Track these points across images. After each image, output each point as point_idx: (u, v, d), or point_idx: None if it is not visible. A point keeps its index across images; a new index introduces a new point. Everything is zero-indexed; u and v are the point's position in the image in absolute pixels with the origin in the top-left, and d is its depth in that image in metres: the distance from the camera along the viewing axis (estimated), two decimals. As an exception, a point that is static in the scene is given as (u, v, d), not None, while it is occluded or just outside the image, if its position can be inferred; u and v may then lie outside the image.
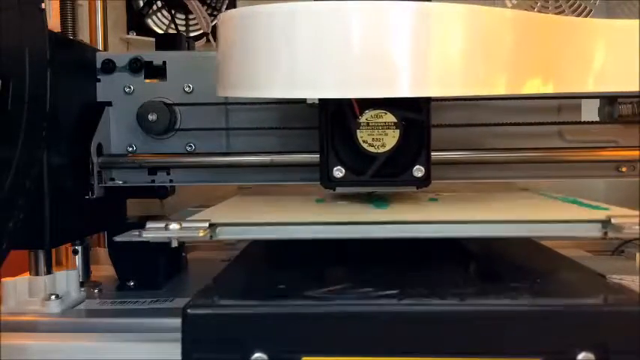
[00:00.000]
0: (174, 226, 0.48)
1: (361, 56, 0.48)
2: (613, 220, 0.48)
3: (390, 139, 0.57)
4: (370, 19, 0.48)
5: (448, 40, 0.49)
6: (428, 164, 0.58)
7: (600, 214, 0.50)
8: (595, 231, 0.49)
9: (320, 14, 0.48)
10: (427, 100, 0.58)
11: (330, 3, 0.48)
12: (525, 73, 0.52)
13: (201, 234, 0.48)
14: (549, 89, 0.54)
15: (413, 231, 0.50)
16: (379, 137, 0.57)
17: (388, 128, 0.57)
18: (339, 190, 0.61)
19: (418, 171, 0.58)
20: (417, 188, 0.60)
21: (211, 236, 0.49)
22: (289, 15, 0.49)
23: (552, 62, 0.53)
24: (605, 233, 0.48)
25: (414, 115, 0.58)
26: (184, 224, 0.49)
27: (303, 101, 0.64)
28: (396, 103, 0.57)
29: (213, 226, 0.49)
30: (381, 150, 0.57)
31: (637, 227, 0.47)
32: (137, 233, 0.49)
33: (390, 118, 0.57)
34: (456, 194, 0.69)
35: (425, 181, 0.59)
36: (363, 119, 0.57)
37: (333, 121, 0.58)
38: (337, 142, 0.58)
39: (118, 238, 0.50)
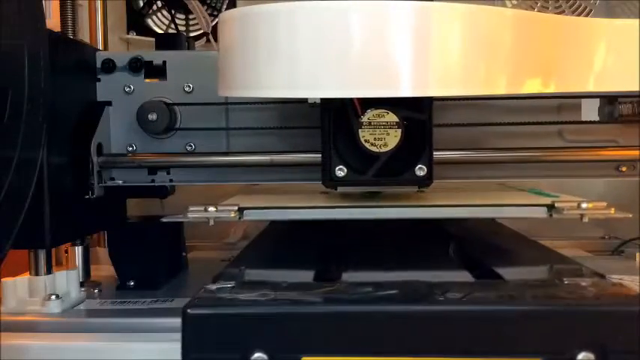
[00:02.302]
0: (211, 208, 0.57)
1: (362, 56, 0.48)
2: (556, 204, 0.56)
3: (392, 139, 0.57)
4: (371, 19, 0.48)
5: (449, 39, 0.49)
6: (430, 164, 0.58)
7: (547, 200, 0.58)
8: (542, 213, 0.57)
9: (321, 13, 0.48)
10: (429, 100, 0.58)
11: (331, 2, 0.48)
12: (526, 73, 0.52)
13: (232, 214, 0.57)
14: (550, 89, 0.54)
15: (394, 213, 0.58)
16: (381, 137, 0.57)
17: (390, 128, 0.57)
18: (341, 189, 0.61)
19: (420, 170, 0.58)
20: (419, 187, 0.60)
21: (240, 217, 0.57)
22: (290, 14, 0.49)
23: (553, 62, 0.53)
24: (551, 215, 0.57)
25: (416, 114, 0.58)
26: (219, 207, 0.57)
27: (304, 101, 0.64)
28: (398, 103, 0.57)
29: (241, 209, 0.57)
30: (383, 149, 0.57)
31: (575, 210, 0.56)
32: (182, 215, 0.58)
33: (392, 117, 0.57)
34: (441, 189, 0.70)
35: (427, 181, 0.59)
36: (365, 119, 0.57)
37: (335, 120, 0.58)
38: (339, 142, 0.59)
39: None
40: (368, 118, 0.57)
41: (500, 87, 0.51)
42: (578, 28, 0.55)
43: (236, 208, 0.57)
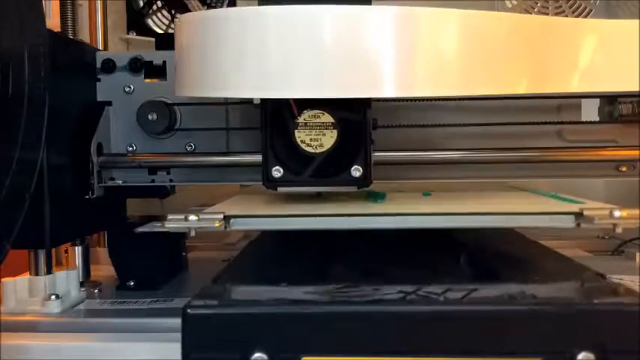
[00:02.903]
0: (192, 217, 0.52)
1: (332, 58, 0.49)
2: (585, 212, 0.52)
3: (328, 140, 0.57)
4: (339, 22, 0.49)
5: (418, 42, 0.50)
6: (366, 164, 0.58)
7: (574, 207, 0.53)
8: (569, 222, 0.53)
9: (291, 16, 0.49)
10: (366, 101, 0.58)
11: (300, 6, 0.49)
12: (515, 75, 0.52)
13: (217, 224, 0.52)
14: (539, 91, 0.54)
15: (404, 222, 0.54)
16: (317, 137, 0.57)
17: (326, 129, 0.57)
18: (281, 189, 0.60)
19: (356, 171, 0.58)
20: (358, 188, 0.59)
21: (225, 227, 0.53)
22: (260, 17, 0.50)
23: (543, 64, 0.53)
24: (579, 224, 0.52)
25: (352, 115, 0.57)
26: (201, 216, 0.53)
27: (250, 101, 0.64)
28: (333, 104, 0.56)
29: (227, 217, 0.53)
30: (319, 150, 0.57)
31: (607, 219, 0.51)
32: (160, 224, 0.53)
33: (327, 118, 0.57)
34: (449, 192, 0.69)
35: (363, 182, 0.58)
36: (301, 119, 0.57)
37: (272, 121, 0.58)
38: (276, 143, 0.58)
39: (140, 229, 0.55)
40: (304, 119, 0.57)
41: (480, 89, 0.51)
42: (571, 28, 0.55)
43: (221, 216, 0.53)
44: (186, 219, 0.52)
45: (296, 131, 0.57)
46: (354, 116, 0.58)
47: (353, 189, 0.60)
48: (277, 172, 0.58)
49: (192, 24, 0.54)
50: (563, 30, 0.55)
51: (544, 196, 0.66)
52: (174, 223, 0.53)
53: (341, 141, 0.57)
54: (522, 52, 0.52)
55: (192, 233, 0.53)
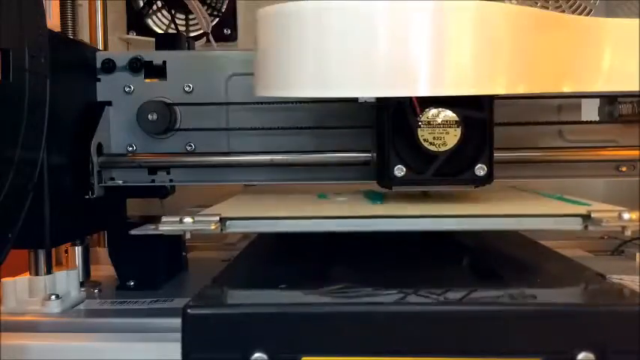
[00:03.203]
0: (187, 219, 0.51)
1: (386, 55, 0.48)
2: (593, 215, 0.51)
3: (452, 138, 0.56)
4: (396, 18, 0.48)
5: (475, 38, 0.49)
6: (490, 163, 0.58)
7: (581, 209, 0.53)
8: (576, 224, 0.52)
9: (351, 12, 0.49)
10: (490, 98, 0.58)
11: (358, 2, 0.48)
12: (543, 73, 0.52)
13: (212, 227, 0.51)
14: (565, 89, 0.54)
15: (409, 224, 0.53)
16: (440, 136, 0.57)
17: (449, 127, 0.56)
18: (396, 189, 0.60)
19: (480, 169, 0.58)
20: (477, 186, 0.59)
21: (222, 229, 0.52)
22: (320, 12, 0.49)
23: (568, 62, 0.54)
24: (586, 227, 0.51)
25: (476, 113, 0.57)
26: (197, 218, 0.52)
27: (355, 100, 0.61)
28: (457, 102, 0.56)
29: (223, 220, 0.52)
30: (442, 149, 0.57)
31: (616, 222, 0.50)
32: (154, 227, 0.52)
33: (451, 116, 0.56)
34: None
35: (487, 180, 0.58)
36: (423, 118, 0.56)
37: (393, 119, 0.58)
38: (398, 141, 0.58)
39: (134, 232, 0.54)
40: (427, 117, 0.56)
41: (520, 86, 0.51)
42: (589, 27, 0.55)
43: (217, 218, 0.52)
44: (181, 221, 0.51)
45: (419, 130, 0.56)
46: (479, 114, 0.57)
47: (470, 187, 0.59)
48: (400, 170, 0.57)
49: (263, 21, 0.53)
50: (582, 29, 0.55)
51: (548, 197, 0.66)
52: (168, 225, 0.52)
53: (465, 139, 0.57)
54: (553, 51, 0.53)
55: (188, 235, 0.52)
